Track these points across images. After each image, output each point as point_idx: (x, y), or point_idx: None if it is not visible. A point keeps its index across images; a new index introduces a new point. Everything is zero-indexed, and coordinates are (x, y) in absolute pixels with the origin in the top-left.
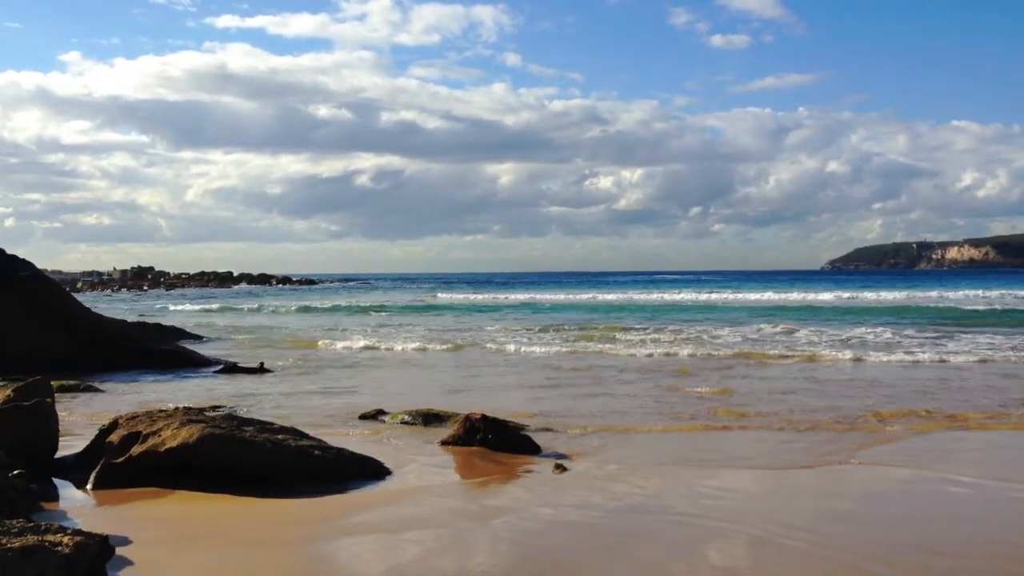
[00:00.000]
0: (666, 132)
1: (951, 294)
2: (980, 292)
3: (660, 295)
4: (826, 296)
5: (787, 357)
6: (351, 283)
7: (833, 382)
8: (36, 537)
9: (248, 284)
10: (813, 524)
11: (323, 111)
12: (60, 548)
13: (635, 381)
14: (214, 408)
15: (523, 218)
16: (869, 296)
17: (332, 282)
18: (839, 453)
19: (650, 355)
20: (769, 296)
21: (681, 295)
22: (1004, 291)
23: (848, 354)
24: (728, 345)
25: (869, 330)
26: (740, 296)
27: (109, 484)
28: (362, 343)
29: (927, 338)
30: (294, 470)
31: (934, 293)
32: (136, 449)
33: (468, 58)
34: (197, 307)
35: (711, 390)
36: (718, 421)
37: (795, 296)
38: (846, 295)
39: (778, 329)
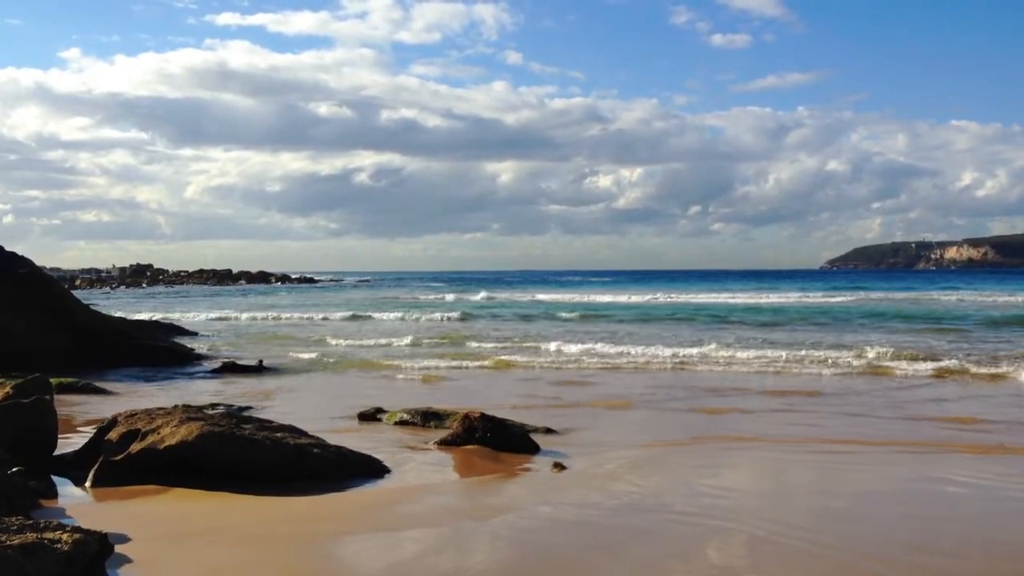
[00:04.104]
0: (666, 131)
1: (980, 298)
2: (1010, 296)
3: (678, 295)
4: (901, 296)
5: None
6: (348, 280)
7: None
8: (35, 534)
9: (247, 283)
10: (811, 523)
11: (323, 109)
12: (59, 545)
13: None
14: (213, 406)
15: (523, 216)
16: (923, 297)
17: (329, 280)
18: None
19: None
20: (821, 298)
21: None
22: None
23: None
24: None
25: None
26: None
27: (108, 481)
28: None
29: None
30: (293, 468)
31: (954, 297)
32: (135, 446)
33: (469, 56)
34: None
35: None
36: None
37: (851, 298)
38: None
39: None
